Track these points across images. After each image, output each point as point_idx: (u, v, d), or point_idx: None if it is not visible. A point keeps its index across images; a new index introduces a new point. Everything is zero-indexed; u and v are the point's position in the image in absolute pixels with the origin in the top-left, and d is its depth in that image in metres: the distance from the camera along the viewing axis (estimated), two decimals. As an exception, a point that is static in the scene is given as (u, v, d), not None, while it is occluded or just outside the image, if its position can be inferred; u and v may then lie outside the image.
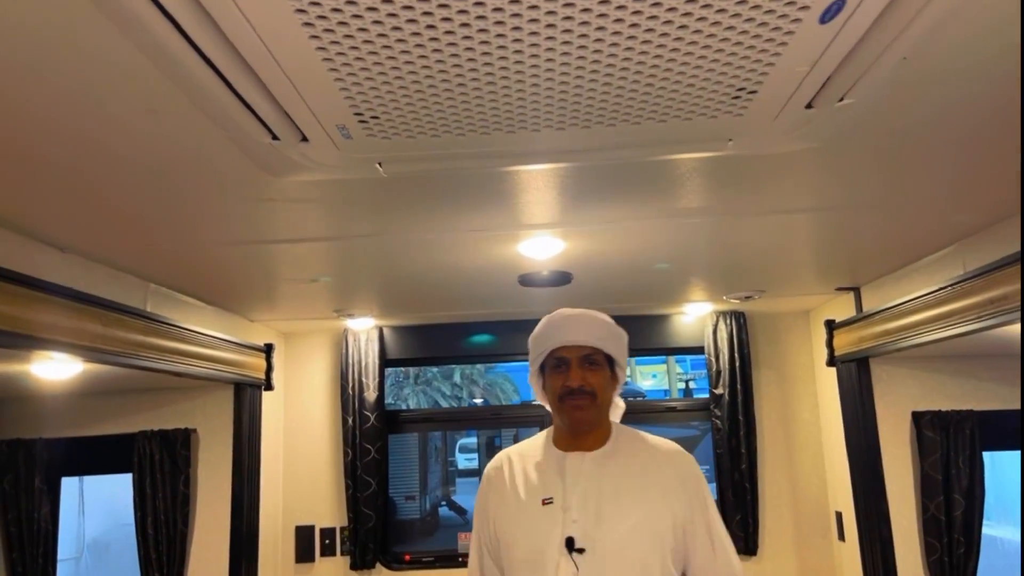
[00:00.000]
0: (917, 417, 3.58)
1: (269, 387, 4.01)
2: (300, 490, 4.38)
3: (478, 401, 18.47)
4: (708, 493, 1.89)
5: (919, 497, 3.53)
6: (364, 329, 4.35)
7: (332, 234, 2.56)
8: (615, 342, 1.87)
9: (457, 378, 18.62)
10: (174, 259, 2.75)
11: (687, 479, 1.85)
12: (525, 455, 1.96)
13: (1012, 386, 3.60)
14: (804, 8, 1.10)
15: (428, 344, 4.46)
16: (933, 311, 3.05)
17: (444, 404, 17.48)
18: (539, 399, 2.01)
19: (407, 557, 4.37)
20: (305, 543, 4.31)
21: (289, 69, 1.21)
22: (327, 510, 4.36)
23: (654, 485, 1.82)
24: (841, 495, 4.01)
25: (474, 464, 14.29)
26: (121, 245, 2.51)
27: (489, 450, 13.29)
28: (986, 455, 3.50)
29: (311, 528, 4.33)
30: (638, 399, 12.27)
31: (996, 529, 4.25)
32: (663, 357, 15.89)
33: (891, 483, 3.55)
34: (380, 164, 1.64)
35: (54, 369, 2.70)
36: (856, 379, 3.64)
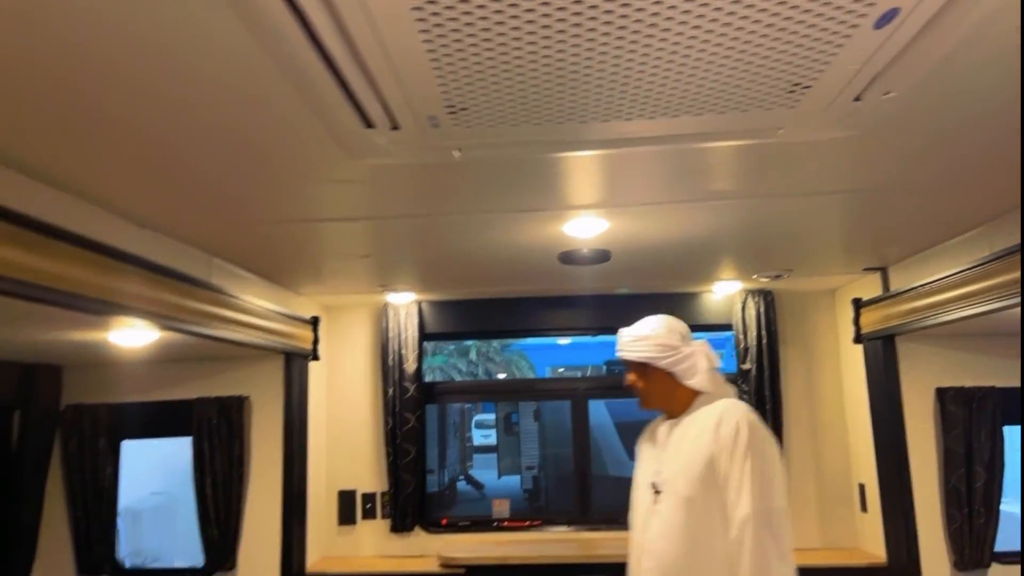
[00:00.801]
0: (941, 393, 3.71)
1: (315, 357, 4.20)
2: (342, 457, 4.59)
3: (502, 376, 18.69)
4: (745, 440, 2.21)
5: (941, 469, 3.68)
6: (404, 304, 4.53)
7: (388, 213, 2.72)
8: (631, 348, 2.50)
9: (473, 355, 18.84)
10: (238, 234, 2.92)
11: (722, 428, 2.23)
12: (654, 423, 2.59)
13: (1033, 364, 3.74)
14: (862, 16, 1.24)
15: (466, 319, 4.63)
16: (960, 290, 3.18)
17: (459, 380, 17.72)
18: None
19: (444, 521, 4.57)
20: (347, 506, 4.52)
21: (397, 60, 1.35)
22: (368, 476, 4.57)
23: (699, 438, 2.28)
24: (864, 468, 4.16)
25: (491, 440, 14.40)
26: (193, 220, 2.68)
27: (507, 425, 13.42)
28: (1007, 431, 3.64)
29: (353, 493, 4.54)
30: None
31: (1012, 505, 4.36)
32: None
33: (914, 456, 3.70)
34: (459, 150, 1.79)
35: (132, 337, 2.89)
36: (882, 356, 3.77)
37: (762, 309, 4.41)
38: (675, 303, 4.53)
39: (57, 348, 3.51)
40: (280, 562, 3.80)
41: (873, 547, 4.05)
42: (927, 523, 3.65)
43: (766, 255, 3.65)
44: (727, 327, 4.54)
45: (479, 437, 15.90)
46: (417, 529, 4.48)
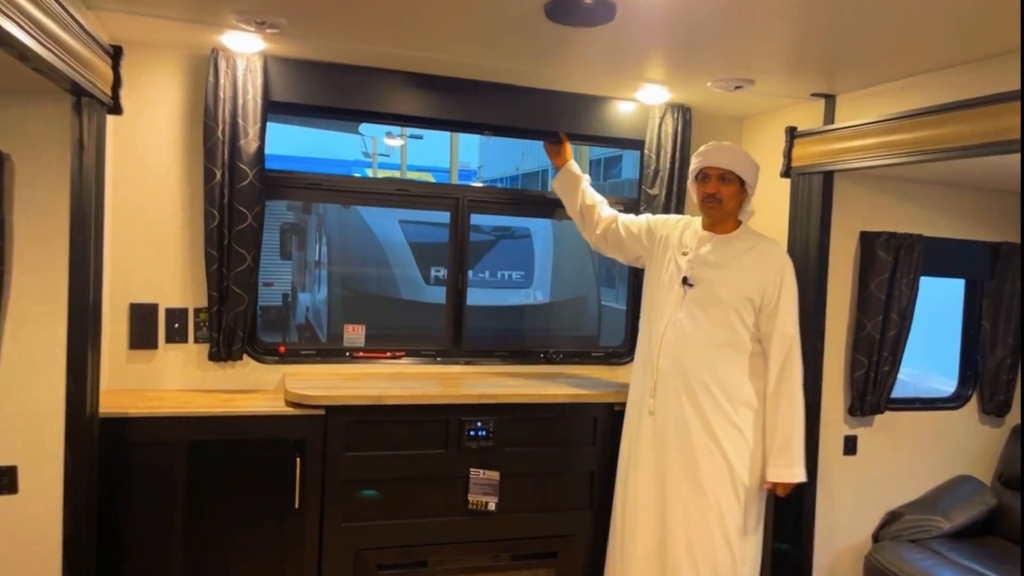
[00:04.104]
0: (868, 237, 3.52)
1: (117, 109, 2.83)
2: (135, 260, 3.31)
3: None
4: (788, 278, 2.94)
5: (854, 315, 3.55)
6: (245, 54, 3.20)
7: None
8: (746, 168, 2.95)
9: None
10: None
11: (772, 263, 2.95)
12: (688, 225, 3.12)
13: (950, 216, 3.70)
14: None
15: (328, 89, 3.43)
16: (927, 132, 2.90)
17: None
18: (694, 198, 3.10)
19: (282, 349, 3.57)
20: (144, 326, 3.31)
21: None
22: (175, 287, 3.36)
23: (749, 260, 2.95)
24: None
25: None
26: None
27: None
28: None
29: (153, 307, 3.32)
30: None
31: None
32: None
33: (829, 300, 3.51)
34: None
35: None
36: (819, 193, 3.43)
37: (680, 128, 3.85)
38: (585, 106, 3.76)
39: None
40: (65, 400, 2.59)
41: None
42: (831, 366, 3.53)
43: (746, 53, 3.01)
44: (635, 144, 3.92)
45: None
46: (246, 358, 3.44)
